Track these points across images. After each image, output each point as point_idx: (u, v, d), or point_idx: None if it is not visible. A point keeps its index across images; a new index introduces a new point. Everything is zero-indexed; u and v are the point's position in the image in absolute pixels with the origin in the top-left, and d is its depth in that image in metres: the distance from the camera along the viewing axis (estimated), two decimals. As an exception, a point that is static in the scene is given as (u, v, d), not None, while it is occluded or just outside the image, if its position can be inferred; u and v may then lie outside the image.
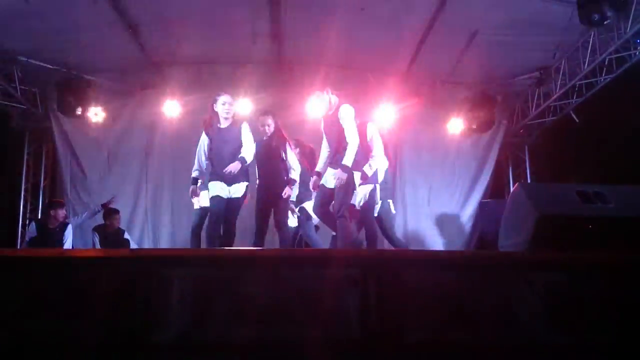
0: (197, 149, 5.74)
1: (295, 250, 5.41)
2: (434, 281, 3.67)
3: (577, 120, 8.33)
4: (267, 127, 5.86)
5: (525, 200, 3.97)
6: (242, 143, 5.59)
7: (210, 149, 5.65)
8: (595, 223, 3.87)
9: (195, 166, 5.76)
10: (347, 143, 5.28)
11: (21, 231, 8.67)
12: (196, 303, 3.61)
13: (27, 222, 8.66)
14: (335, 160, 5.41)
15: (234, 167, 5.42)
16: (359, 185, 5.49)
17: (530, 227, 3.84)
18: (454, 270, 3.71)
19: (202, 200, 6.13)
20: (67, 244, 7.11)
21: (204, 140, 5.69)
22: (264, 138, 5.91)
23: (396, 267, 3.71)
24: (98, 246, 7.43)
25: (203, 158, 5.72)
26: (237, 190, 5.56)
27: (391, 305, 3.59)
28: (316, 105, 5.71)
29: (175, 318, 3.58)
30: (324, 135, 5.63)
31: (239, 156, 5.51)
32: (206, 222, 6.11)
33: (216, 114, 5.63)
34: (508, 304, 3.63)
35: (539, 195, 3.97)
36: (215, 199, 5.54)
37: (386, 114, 8.62)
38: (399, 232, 9.13)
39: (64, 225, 7.16)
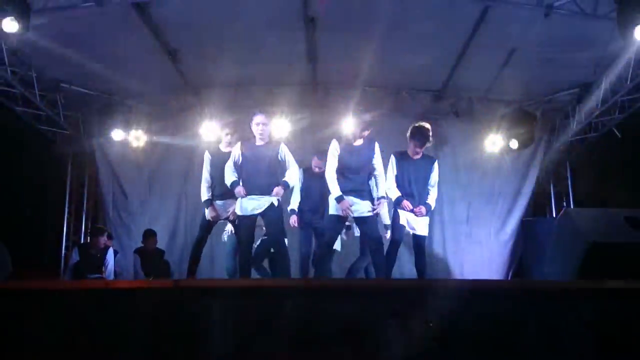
0: (227, 162, 5.67)
1: (335, 280, 5.37)
2: (480, 311, 3.60)
3: (620, 136, 8.15)
4: (319, 169, 6.11)
5: (572, 228, 3.87)
6: (280, 163, 5.59)
7: (242, 165, 5.61)
8: (646, 250, 3.75)
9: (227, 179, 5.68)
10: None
11: (65, 253, 8.85)
12: (237, 333, 3.61)
13: (70, 245, 8.83)
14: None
15: (277, 191, 5.43)
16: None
17: (579, 255, 3.74)
18: (500, 300, 3.64)
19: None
20: (109, 268, 7.22)
21: (235, 154, 5.65)
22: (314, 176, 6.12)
23: (437, 296, 3.66)
24: (139, 268, 7.54)
25: (230, 171, 5.64)
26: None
27: (432, 335, 3.54)
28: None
29: (217, 348, 3.59)
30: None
31: (283, 180, 5.50)
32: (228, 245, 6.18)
33: (252, 132, 5.65)
34: (556, 335, 3.55)
35: (587, 222, 3.87)
36: (244, 219, 5.52)
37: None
38: (438, 251, 9.09)
39: (106, 250, 7.28)
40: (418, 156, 5.90)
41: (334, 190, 5.34)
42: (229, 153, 5.80)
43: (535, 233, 8.20)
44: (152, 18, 6.74)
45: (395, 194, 5.75)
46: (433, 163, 5.95)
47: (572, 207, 9.06)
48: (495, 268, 8.85)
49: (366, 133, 5.44)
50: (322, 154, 6.01)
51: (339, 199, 5.31)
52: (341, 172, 5.40)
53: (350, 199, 5.34)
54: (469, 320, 3.55)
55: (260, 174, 5.50)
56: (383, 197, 5.46)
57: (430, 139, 5.64)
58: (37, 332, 3.56)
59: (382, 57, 7.56)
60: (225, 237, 6.64)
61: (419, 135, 5.57)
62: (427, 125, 5.61)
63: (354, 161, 5.44)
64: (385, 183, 5.61)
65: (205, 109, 8.63)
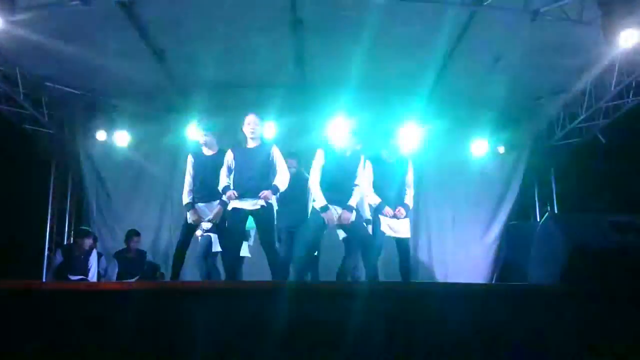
0: (222, 168, 5.62)
1: (320, 282, 5.36)
2: (463, 314, 3.61)
3: (604, 141, 8.23)
4: (293, 169, 6.13)
5: (556, 232, 3.90)
6: (271, 166, 5.54)
7: (235, 169, 5.58)
8: (630, 254, 3.78)
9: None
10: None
11: (48, 254, 8.75)
12: (221, 336, 3.59)
13: (53, 246, 8.73)
14: None
15: (266, 195, 5.39)
16: None
17: (563, 260, 3.76)
18: (485, 303, 3.65)
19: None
20: (92, 271, 7.14)
21: (228, 159, 5.61)
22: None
23: (423, 299, 3.67)
24: (113, 275, 7.46)
25: (224, 176, 5.60)
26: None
27: (419, 339, 3.55)
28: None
29: (200, 351, 3.56)
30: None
31: (272, 184, 5.46)
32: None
33: (244, 134, 5.62)
34: (539, 338, 3.56)
35: (571, 226, 3.89)
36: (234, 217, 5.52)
37: (409, 136, 8.61)
38: (423, 254, 9.12)
39: (90, 252, 7.21)
40: (391, 159, 5.93)
41: (320, 200, 5.35)
42: (212, 156, 5.80)
43: (520, 237, 8.24)
44: (138, 17, 6.67)
45: (374, 200, 5.78)
46: (407, 163, 6.04)
47: (556, 211, 9.14)
48: (480, 271, 8.88)
49: (358, 147, 5.45)
50: (294, 154, 6.34)
51: (324, 209, 5.32)
52: (327, 182, 5.41)
53: (334, 207, 5.37)
54: (454, 323, 3.56)
55: (252, 176, 5.47)
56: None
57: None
58: (17, 332, 3.51)
59: (370, 60, 7.56)
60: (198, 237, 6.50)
61: None
62: None
63: (340, 173, 5.45)
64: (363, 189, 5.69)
65: (192, 110, 8.58)
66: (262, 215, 5.44)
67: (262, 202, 5.38)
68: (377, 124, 8.49)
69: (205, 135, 5.84)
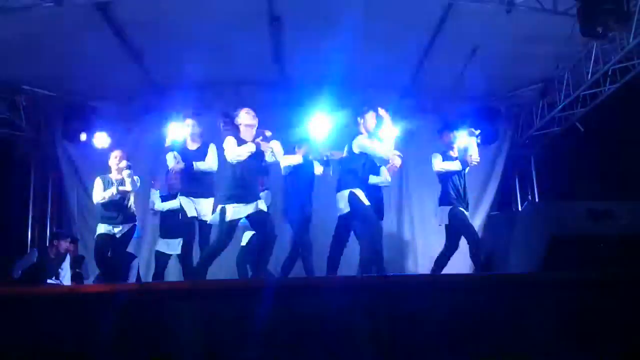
0: None
1: (303, 278, 5.37)
2: (446, 304, 3.65)
3: (583, 130, 8.31)
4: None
5: (535, 220, 3.94)
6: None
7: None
8: (607, 241, 3.83)
9: None
10: None
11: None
12: (206, 334, 3.59)
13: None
14: None
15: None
16: None
17: (542, 248, 3.81)
18: (469, 292, 3.69)
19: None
20: (66, 276, 7.05)
21: None
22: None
23: (406, 291, 3.70)
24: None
25: None
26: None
27: (403, 329, 3.57)
28: None
29: (186, 350, 3.56)
30: None
31: None
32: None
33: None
34: (522, 324, 3.61)
35: (550, 214, 3.94)
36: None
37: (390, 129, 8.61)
38: (407, 247, 9.15)
39: (64, 256, 7.08)
40: None
41: None
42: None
43: (501, 227, 8.29)
44: (114, 18, 6.63)
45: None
46: None
47: (536, 200, 9.21)
48: (465, 263, 8.91)
49: None
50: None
51: None
52: None
53: None
54: (437, 314, 3.60)
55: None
56: None
57: None
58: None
59: (349, 56, 7.57)
60: None
61: None
62: None
63: None
64: None
65: (172, 109, 8.52)
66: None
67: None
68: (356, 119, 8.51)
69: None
